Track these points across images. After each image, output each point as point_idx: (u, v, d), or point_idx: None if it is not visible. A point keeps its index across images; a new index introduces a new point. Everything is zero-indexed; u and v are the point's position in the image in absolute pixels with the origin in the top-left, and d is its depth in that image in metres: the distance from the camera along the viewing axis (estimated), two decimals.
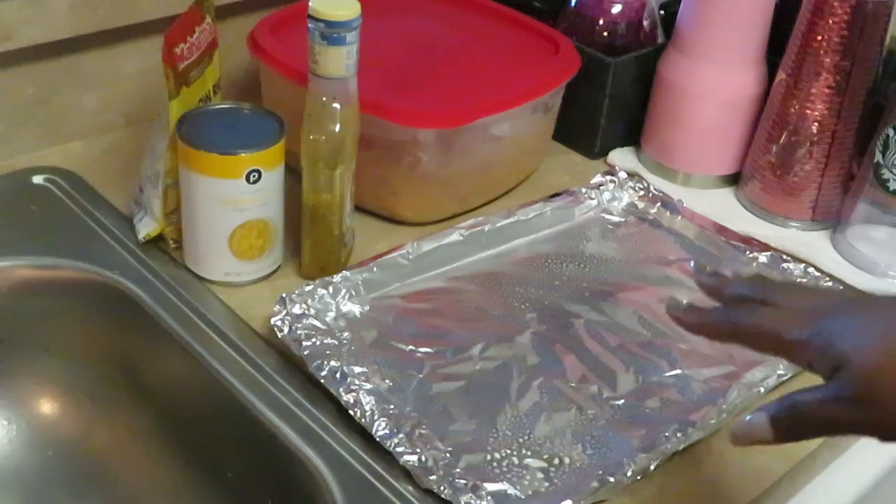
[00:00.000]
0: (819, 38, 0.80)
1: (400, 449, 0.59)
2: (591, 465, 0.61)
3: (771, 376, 0.67)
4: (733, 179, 0.90)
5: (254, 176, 0.68)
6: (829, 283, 0.76)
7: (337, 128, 0.68)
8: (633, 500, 0.60)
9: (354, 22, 0.65)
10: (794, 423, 0.48)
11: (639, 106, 0.92)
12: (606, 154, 0.93)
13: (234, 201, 0.69)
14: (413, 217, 0.81)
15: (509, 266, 0.78)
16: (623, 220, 0.85)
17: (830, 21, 0.79)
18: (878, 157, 0.78)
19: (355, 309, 0.71)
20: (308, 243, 0.73)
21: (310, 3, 0.65)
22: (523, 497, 0.58)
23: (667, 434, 0.62)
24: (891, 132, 0.78)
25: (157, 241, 0.75)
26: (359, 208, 0.79)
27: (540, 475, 0.60)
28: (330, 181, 0.70)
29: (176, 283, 0.72)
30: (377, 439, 0.60)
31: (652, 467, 0.60)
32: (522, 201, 0.82)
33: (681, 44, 0.87)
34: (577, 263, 0.79)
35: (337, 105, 0.67)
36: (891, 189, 0.78)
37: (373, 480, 0.59)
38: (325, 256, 0.74)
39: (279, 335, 0.66)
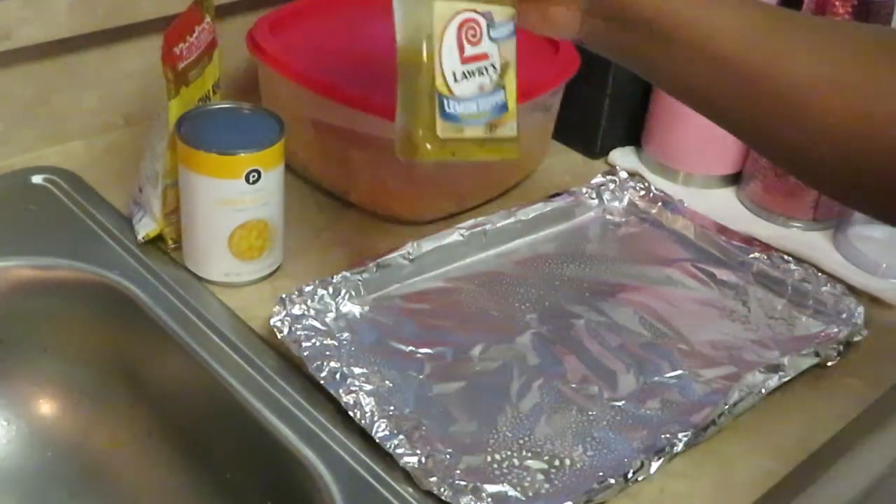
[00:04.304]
0: None
1: (400, 450, 0.59)
2: (592, 466, 0.61)
3: (772, 377, 0.67)
4: (734, 179, 0.90)
5: (253, 176, 0.68)
6: (831, 284, 0.75)
7: None
8: (634, 502, 0.59)
9: None
10: None
11: (639, 105, 0.91)
12: (607, 154, 0.93)
13: (233, 201, 0.69)
14: (411, 216, 0.81)
15: (510, 266, 0.78)
16: (624, 220, 0.84)
17: None
18: None
19: (355, 309, 0.71)
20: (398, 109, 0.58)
21: None
22: (524, 498, 0.58)
23: (667, 435, 0.62)
24: None
25: (156, 242, 0.75)
26: (358, 208, 0.79)
27: (540, 476, 0.60)
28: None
29: (175, 284, 0.72)
30: (377, 440, 0.60)
31: (652, 469, 0.60)
32: (522, 201, 0.82)
33: None
34: (577, 263, 0.79)
35: None
36: None
37: (372, 482, 0.59)
38: (411, 123, 0.57)
39: (279, 336, 0.66)
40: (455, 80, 0.56)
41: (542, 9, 0.59)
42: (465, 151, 0.58)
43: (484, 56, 0.58)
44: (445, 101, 0.56)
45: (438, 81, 0.56)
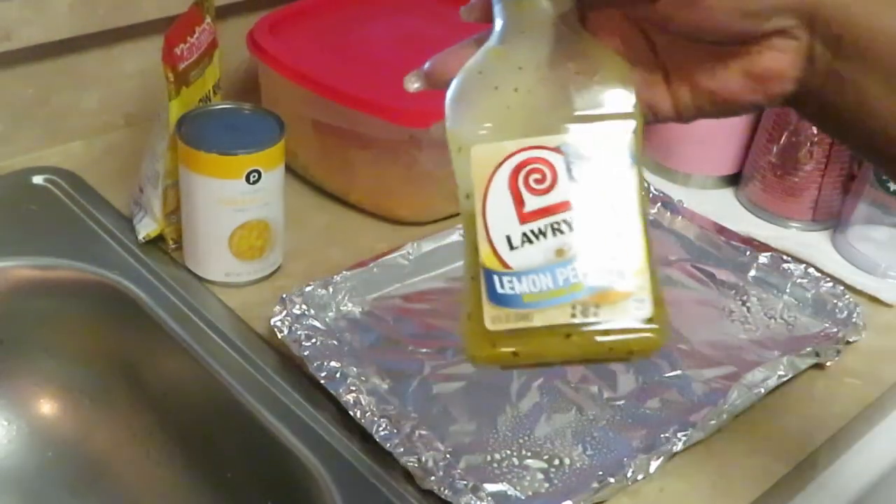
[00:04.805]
0: None
1: (400, 450, 0.59)
2: (592, 465, 0.61)
3: (772, 377, 0.67)
4: (734, 180, 0.90)
5: (254, 176, 0.68)
6: (830, 284, 0.76)
7: None
8: (634, 502, 0.60)
9: None
10: None
11: None
12: None
13: (233, 201, 0.69)
14: (411, 217, 0.81)
15: None
16: None
17: None
18: None
19: (355, 309, 0.71)
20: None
21: None
22: (523, 498, 0.58)
23: (667, 435, 0.62)
24: None
25: (156, 242, 0.75)
26: (358, 208, 0.79)
27: (540, 476, 0.60)
28: None
29: (176, 284, 0.72)
30: (377, 440, 0.60)
31: (652, 468, 0.60)
32: None
33: None
34: None
35: None
36: (891, 189, 0.78)
37: (373, 481, 0.59)
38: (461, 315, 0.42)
39: (279, 336, 0.66)
40: (511, 247, 0.41)
41: (744, 69, 0.44)
42: (540, 349, 0.40)
43: (562, 206, 0.40)
44: (496, 279, 0.41)
45: (484, 253, 0.41)
